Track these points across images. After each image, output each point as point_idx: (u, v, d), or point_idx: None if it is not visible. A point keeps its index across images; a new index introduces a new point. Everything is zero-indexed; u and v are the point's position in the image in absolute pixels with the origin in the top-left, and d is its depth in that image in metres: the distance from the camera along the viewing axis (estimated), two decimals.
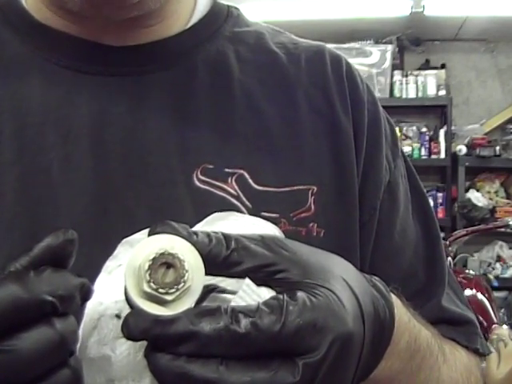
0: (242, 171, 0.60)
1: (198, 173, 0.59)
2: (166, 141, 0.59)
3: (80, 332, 0.43)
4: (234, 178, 0.59)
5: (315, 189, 0.61)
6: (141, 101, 0.60)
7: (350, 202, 0.63)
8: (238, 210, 0.59)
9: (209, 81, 0.62)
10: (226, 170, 0.59)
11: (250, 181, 0.60)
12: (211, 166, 0.59)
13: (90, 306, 0.43)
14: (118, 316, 0.43)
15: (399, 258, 0.67)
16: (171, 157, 0.59)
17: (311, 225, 0.60)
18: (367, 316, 0.44)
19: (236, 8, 0.70)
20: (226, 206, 0.58)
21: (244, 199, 0.59)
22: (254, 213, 0.59)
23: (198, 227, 0.48)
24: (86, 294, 0.40)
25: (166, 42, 0.63)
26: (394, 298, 0.49)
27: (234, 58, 0.65)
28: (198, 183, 0.59)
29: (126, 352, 0.42)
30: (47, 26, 0.61)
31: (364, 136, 0.65)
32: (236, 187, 0.59)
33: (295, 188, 0.61)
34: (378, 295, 0.47)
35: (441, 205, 4.29)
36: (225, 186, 0.59)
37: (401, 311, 0.52)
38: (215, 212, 0.56)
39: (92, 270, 0.46)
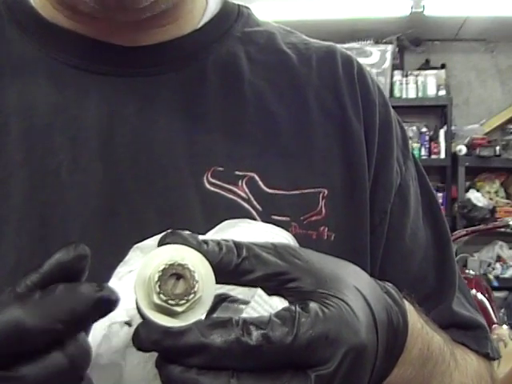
0: (252, 174, 0.59)
1: (209, 175, 0.58)
2: (176, 143, 0.59)
3: (90, 338, 0.42)
4: (244, 181, 0.59)
5: (326, 192, 0.61)
6: (150, 102, 0.59)
7: (360, 205, 0.62)
8: (249, 213, 0.58)
9: (219, 82, 0.62)
10: (237, 172, 0.59)
11: (261, 184, 0.59)
12: (221, 169, 0.58)
13: None
14: (128, 324, 0.42)
15: (410, 262, 0.67)
16: (181, 159, 0.58)
17: (322, 228, 0.60)
18: (380, 325, 0.43)
19: (247, 7, 0.69)
20: (237, 209, 0.58)
21: (254, 202, 0.58)
22: (264, 216, 0.58)
23: (209, 235, 0.47)
24: (106, 309, 0.38)
25: (176, 42, 0.62)
26: (407, 305, 0.49)
27: (244, 58, 0.64)
28: (208, 186, 0.58)
29: (135, 361, 0.41)
30: (55, 25, 0.61)
31: (375, 138, 0.64)
32: (246, 190, 0.59)
33: (306, 191, 0.60)
34: (392, 302, 0.46)
35: (441, 205, 4.27)
36: (235, 189, 0.58)
37: (414, 318, 0.52)
38: (225, 215, 0.55)
39: (101, 272, 0.46)
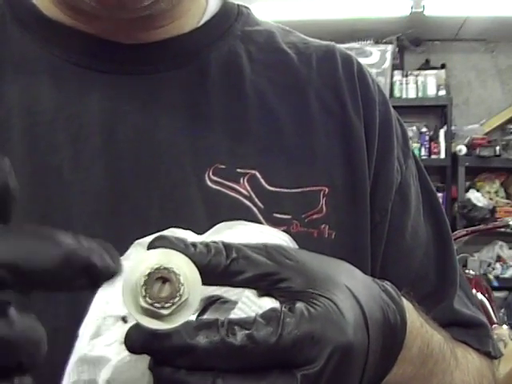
0: (254, 171, 0.59)
1: (210, 173, 0.58)
2: (178, 140, 0.59)
3: (83, 327, 0.43)
4: (246, 179, 0.59)
5: (327, 190, 0.61)
6: (152, 99, 0.59)
7: (361, 203, 0.62)
8: (250, 211, 0.58)
9: (221, 80, 0.62)
10: (238, 170, 0.59)
11: (263, 181, 0.59)
12: (223, 166, 0.59)
13: (97, 302, 0.44)
14: (123, 319, 0.42)
15: (410, 260, 0.67)
16: (183, 157, 0.58)
17: (323, 226, 0.60)
18: (373, 324, 0.43)
19: (246, 7, 0.69)
20: (238, 207, 0.58)
21: (256, 200, 0.59)
22: (266, 214, 0.58)
23: (205, 236, 0.47)
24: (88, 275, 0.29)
25: (178, 40, 0.62)
26: (405, 303, 0.49)
27: (245, 57, 0.64)
28: (209, 183, 0.58)
29: (127, 358, 0.41)
30: (57, 23, 0.61)
31: (375, 136, 0.64)
32: (248, 188, 0.59)
33: (307, 189, 0.60)
34: (389, 300, 0.46)
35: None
36: (237, 187, 0.58)
37: (413, 316, 0.52)
38: (227, 212, 0.56)
39: None
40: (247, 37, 0.66)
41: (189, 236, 0.46)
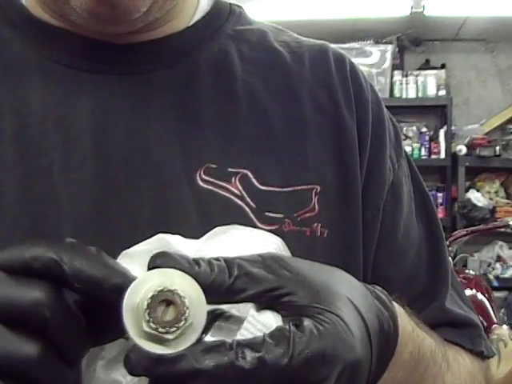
0: (245, 171, 0.59)
1: (202, 173, 0.58)
2: (169, 140, 0.58)
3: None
4: (237, 178, 0.59)
5: (319, 188, 0.61)
6: (143, 100, 0.59)
7: (353, 202, 0.62)
8: (242, 210, 0.58)
9: (211, 80, 0.62)
10: (230, 169, 0.59)
11: (254, 181, 0.59)
12: (214, 166, 0.58)
13: None
14: (124, 338, 0.41)
15: (402, 260, 0.67)
16: (174, 156, 0.58)
17: (315, 225, 0.60)
18: (373, 334, 0.43)
19: (238, 6, 0.69)
20: (230, 207, 0.58)
21: (248, 199, 0.58)
22: (258, 213, 0.58)
23: (200, 242, 0.47)
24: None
25: (168, 40, 0.62)
26: (397, 308, 0.49)
27: (236, 56, 0.64)
28: (201, 183, 0.58)
29: (136, 378, 0.41)
30: (47, 24, 0.60)
31: (368, 136, 0.64)
32: (240, 187, 0.58)
33: (299, 188, 0.60)
34: (382, 307, 0.46)
35: (441, 205, 4.29)
36: (228, 186, 0.58)
37: (404, 321, 0.52)
38: (219, 212, 0.56)
39: None
40: (239, 36, 0.65)
41: (179, 241, 0.46)
